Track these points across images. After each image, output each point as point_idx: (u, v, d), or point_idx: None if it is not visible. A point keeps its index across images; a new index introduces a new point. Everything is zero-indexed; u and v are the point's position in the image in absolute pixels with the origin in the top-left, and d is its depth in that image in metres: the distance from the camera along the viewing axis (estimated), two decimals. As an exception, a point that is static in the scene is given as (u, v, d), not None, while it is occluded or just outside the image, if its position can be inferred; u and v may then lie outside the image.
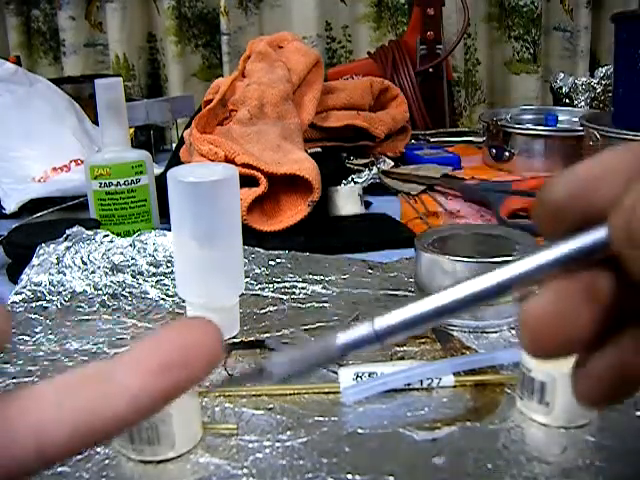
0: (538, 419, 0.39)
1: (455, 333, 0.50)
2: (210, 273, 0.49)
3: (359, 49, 1.45)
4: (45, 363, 0.47)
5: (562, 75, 1.23)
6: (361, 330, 0.22)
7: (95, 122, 0.88)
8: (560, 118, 1.08)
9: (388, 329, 0.23)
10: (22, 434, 0.17)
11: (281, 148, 0.79)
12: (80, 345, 0.50)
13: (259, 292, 0.58)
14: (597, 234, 0.20)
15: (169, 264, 0.61)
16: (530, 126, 1.03)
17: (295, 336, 0.50)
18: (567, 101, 1.20)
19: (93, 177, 0.69)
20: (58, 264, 0.59)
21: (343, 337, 0.23)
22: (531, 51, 1.45)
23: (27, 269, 0.58)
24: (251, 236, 0.67)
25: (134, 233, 0.63)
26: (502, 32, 1.48)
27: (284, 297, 0.57)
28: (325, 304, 0.56)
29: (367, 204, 0.84)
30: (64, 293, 0.57)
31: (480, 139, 1.10)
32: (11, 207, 0.81)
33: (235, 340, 0.50)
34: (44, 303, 0.56)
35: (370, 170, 0.91)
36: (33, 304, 0.56)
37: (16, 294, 0.57)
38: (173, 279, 0.59)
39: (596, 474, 0.35)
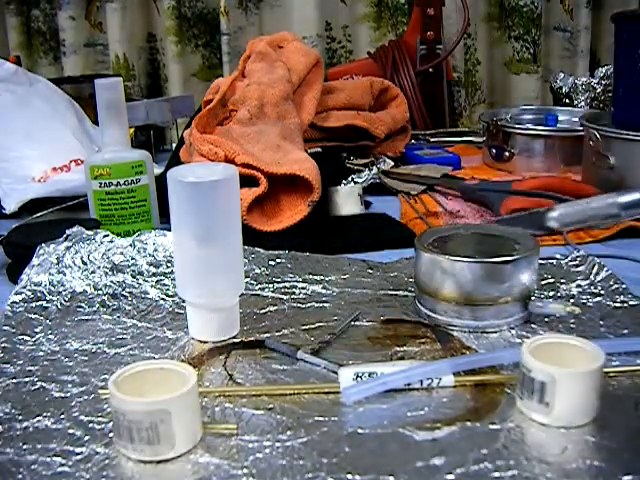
0: (538, 419, 0.39)
1: (455, 333, 0.50)
2: (210, 273, 0.49)
3: (359, 49, 1.45)
4: (45, 363, 0.47)
5: (562, 75, 1.23)
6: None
7: (95, 122, 0.88)
8: (560, 118, 1.08)
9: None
10: None
11: (281, 148, 0.79)
12: (80, 345, 0.50)
13: (259, 292, 0.58)
14: None
15: (169, 264, 0.61)
16: (530, 126, 1.03)
17: (295, 336, 0.50)
18: (567, 101, 1.20)
19: (93, 177, 0.69)
20: (58, 264, 0.59)
21: (623, 198, 0.38)
22: (531, 51, 1.45)
23: (27, 269, 0.58)
24: (251, 236, 0.67)
25: (134, 233, 0.63)
26: (502, 32, 1.47)
27: (284, 297, 0.57)
28: (325, 304, 0.56)
29: (367, 204, 0.84)
30: (64, 293, 0.57)
31: (480, 139, 1.10)
32: (11, 207, 0.81)
33: (235, 340, 0.50)
34: (44, 303, 0.56)
35: (370, 170, 0.91)
36: (33, 304, 0.56)
37: (16, 294, 0.57)
38: (173, 279, 0.59)
39: (596, 474, 0.35)
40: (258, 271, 0.62)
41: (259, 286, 0.59)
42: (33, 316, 0.54)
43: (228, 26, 1.40)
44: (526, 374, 0.39)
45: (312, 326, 0.52)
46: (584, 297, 0.55)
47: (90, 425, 0.40)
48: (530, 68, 1.46)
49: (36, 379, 0.45)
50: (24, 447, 0.38)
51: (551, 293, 0.57)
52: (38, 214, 0.79)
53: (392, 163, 0.97)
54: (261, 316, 0.54)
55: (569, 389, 0.38)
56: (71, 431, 0.39)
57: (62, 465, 0.36)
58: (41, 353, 0.49)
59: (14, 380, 0.45)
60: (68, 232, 0.61)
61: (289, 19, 1.43)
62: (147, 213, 0.71)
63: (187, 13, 1.44)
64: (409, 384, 0.42)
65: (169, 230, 0.52)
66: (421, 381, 0.43)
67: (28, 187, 0.83)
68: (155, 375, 0.40)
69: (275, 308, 0.55)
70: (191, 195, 0.47)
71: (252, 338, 0.50)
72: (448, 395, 0.42)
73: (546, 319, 0.52)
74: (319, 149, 0.92)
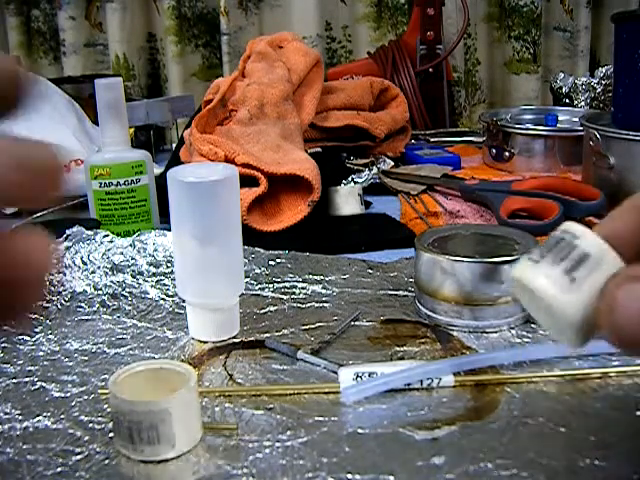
0: (548, 291, 0.27)
1: (455, 333, 0.50)
2: (210, 273, 0.49)
3: (359, 49, 1.45)
4: (45, 363, 0.47)
5: (562, 75, 1.23)
6: None
7: (95, 122, 0.88)
8: (560, 118, 1.07)
9: None
10: None
11: (281, 148, 0.79)
12: (80, 345, 0.50)
13: (259, 292, 0.58)
14: None
15: (169, 264, 0.61)
16: (530, 126, 1.02)
17: (295, 336, 0.50)
18: (567, 101, 1.20)
19: (93, 177, 0.69)
20: (58, 264, 0.59)
21: None
22: (531, 51, 1.45)
23: (27, 269, 0.58)
24: (251, 236, 0.67)
25: (134, 233, 0.63)
26: (502, 32, 1.48)
27: (284, 297, 0.57)
28: (325, 304, 0.56)
29: (367, 204, 0.84)
30: (64, 293, 0.57)
31: (480, 139, 1.10)
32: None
33: (235, 340, 0.50)
34: (44, 303, 0.56)
35: (370, 170, 0.91)
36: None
37: (16, 294, 0.56)
38: (173, 279, 0.59)
39: (596, 474, 0.35)
40: (258, 271, 0.62)
41: (259, 286, 0.59)
42: (33, 316, 0.54)
43: (228, 26, 1.41)
44: (566, 239, 0.28)
45: (312, 326, 0.52)
46: (584, 297, 0.55)
47: (90, 425, 0.40)
48: (530, 68, 1.46)
49: (36, 379, 0.45)
50: (24, 447, 0.38)
51: (551, 293, 0.57)
52: (38, 214, 0.79)
53: (392, 163, 0.97)
54: (261, 316, 0.54)
55: (610, 273, 0.26)
56: (71, 431, 0.39)
57: (62, 465, 0.36)
58: (41, 353, 0.49)
59: (14, 380, 0.45)
60: (68, 232, 0.61)
61: (289, 19, 1.43)
62: (147, 213, 0.71)
63: (187, 13, 1.44)
64: (409, 384, 0.42)
65: (169, 230, 0.52)
66: (421, 381, 0.43)
67: (28, 187, 0.83)
68: (155, 375, 0.40)
69: (275, 308, 0.55)
70: (191, 195, 0.47)
71: (252, 338, 0.50)
72: (448, 395, 0.42)
73: (546, 319, 0.52)
74: (319, 149, 0.92)
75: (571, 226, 0.28)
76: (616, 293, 0.22)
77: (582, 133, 0.86)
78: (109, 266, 0.60)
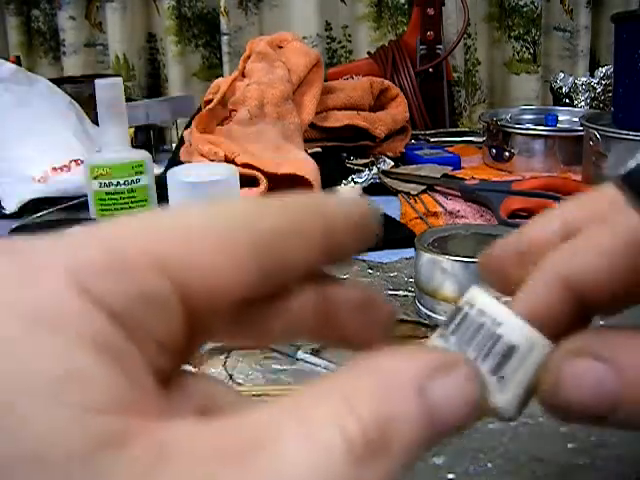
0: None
1: (455, 333, 0.50)
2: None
3: (359, 49, 1.46)
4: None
5: (562, 75, 1.23)
6: None
7: (95, 122, 0.88)
8: (560, 118, 1.07)
9: None
10: None
11: (281, 148, 0.79)
12: (80, 345, 0.50)
13: (259, 292, 0.58)
14: None
15: (169, 264, 0.61)
16: (530, 126, 1.02)
17: (295, 336, 0.50)
18: (567, 101, 1.20)
19: (93, 177, 0.69)
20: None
21: None
22: (531, 51, 1.45)
23: (27, 269, 0.58)
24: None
25: (134, 233, 0.63)
26: (502, 32, 1.48)
27: (284, 297, 0.57)
28: (325, 304, 0.56)
29: (367, 204, 0.84)
30: (64, 293, 0.57)
31: (480, 139, 1.10)
32: (11, 207, 0.81)
33: (235, 340, 0.50)
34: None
35: (370, 170, 0.91)
36: (33, 304, 0.56)
37: (16, 294, 0.56)
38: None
39: (596, 474, 0.35)
40: (258, 271, 0.62)
41: (259, 286, 0.59)
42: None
43: (228, 26, 1.41)
44: (487, 326, 0.22)
45: (312, 326, 0.52)
46: (584, 297, 0.55)
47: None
48: (530, 68, 1.46)
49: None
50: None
51: (551, 293, 0.57)
52: (38, 214, 0.79)
53: (392, 163, 0.97)
54: (261, 316, 0.54)
55: (537, 368, 0.22)
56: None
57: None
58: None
59: (14, 380, 0.45)
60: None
61: (289, 19, 1.43)
62: (147, 213, 0.71)
63: (187, 13, 1.44)
64: (409, 384, 0.42)
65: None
66: (421, 381, 0.43)
67: (28, 187, 0.83)
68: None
69: (275, 308, 0.55)
70: (191, 195, 0.47)
71: (252, 338, 0.50)
72: (448, 395, 0.42)
73: (546, 319, 0.52)
74: (319, 149, 0.92)
75: (488, 305, 0.23)
76: (558, 372, 0.20)
77: (582, 133, 0.86)
78: (109, 266, 0.60)
